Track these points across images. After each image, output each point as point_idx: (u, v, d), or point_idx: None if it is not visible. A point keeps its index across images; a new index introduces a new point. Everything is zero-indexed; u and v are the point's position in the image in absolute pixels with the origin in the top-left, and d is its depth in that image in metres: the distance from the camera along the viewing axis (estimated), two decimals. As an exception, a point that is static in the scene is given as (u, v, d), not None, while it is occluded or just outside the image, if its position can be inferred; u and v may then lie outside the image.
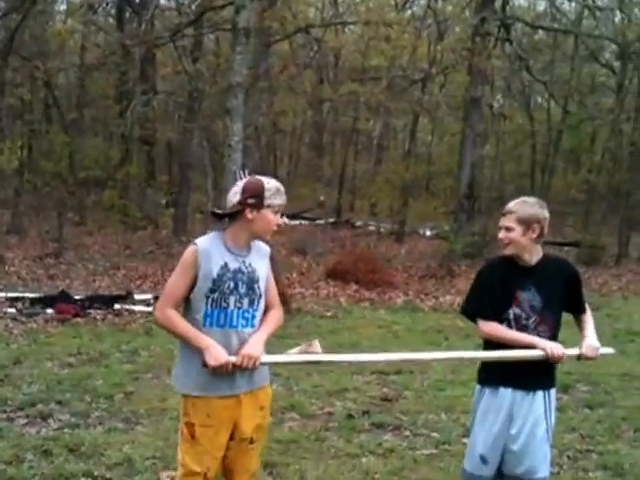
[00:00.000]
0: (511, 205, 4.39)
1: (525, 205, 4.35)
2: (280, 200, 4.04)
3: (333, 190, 32.29)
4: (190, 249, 4.02)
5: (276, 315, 4.26)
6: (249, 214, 4.00)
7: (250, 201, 3.99)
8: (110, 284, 15.23)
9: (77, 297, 13.03)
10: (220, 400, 4.00)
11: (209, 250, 4.00)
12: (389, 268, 18.39)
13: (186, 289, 4.00)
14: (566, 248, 24.40)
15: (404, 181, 25.17)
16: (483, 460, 4.40)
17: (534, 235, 4.32)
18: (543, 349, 4.22)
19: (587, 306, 4.64)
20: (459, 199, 20.87)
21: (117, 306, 12.78)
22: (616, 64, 28.90)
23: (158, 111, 22.59)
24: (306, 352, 4.13)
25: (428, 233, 27.82)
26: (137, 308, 12.74)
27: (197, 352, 3.90)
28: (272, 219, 4.04)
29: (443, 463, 6.14)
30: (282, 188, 4.09)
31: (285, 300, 12.77)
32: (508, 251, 4.38)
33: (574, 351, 4.36)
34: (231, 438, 4.09)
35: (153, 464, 5.87)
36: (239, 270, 4.02)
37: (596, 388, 8.57)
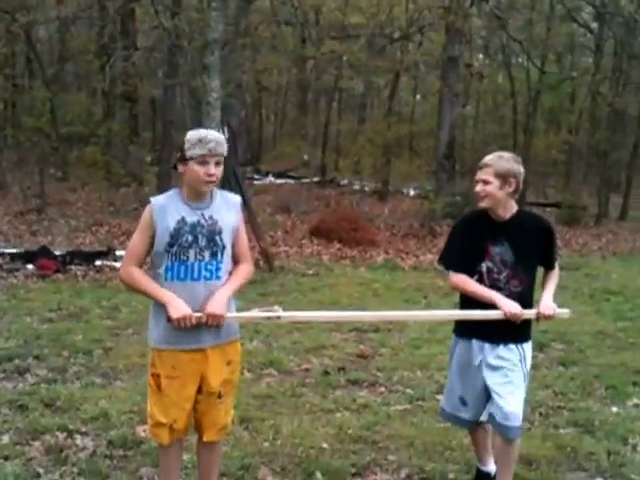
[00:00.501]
0: (488, 159, 4.45)
1: (501, 160, 4.41)
2: (201, 150, 3.95)
3: (317, 149, 32.20)
4: (147, 207, 4.07)
5: (244, 269, 4.26)
6: (180, 168, 4.06)
7: (177, 155, 4.05)
8: (93, 241, 15.24)
9: (58, 253, 13.03)
10: (186, 353, 4.06)
11: (165, 206, 4.04)
12: (372, 227, 18.45)
13: (146, 246, 4.07)
14: (548, 209, 24.51)
15: (386, 140, 25.13)
16: (462, 401, 4.56)
17: (510, 189, 4.37)
18: (501, 308, 4.31)
19: (556, 265, 4.71)
20: (439, 159, 20.88)
21: (98, 262, 12.80)
22: (594, 25, 28.86)
23: (140, 67, 22.40)
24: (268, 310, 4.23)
25: (412, 193, 27.79)
26: (118, 264, 12.57)
27: (163, 307, 3.96)
28: (198, 170, 3.98)
29: (416, 418, 6.22)
30: (209, 137, 3.99)
31: (267, 258, 12.83)
32: (484, 204, 4.43)
33: (532, 311, 4.43)
34: (199, 391, 4.16)
35: (130, 419, 5.92)
36: (198, 223, 4.03)
37: (570, 346, 8.68)
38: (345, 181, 30.04)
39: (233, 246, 4.18)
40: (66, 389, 6.60)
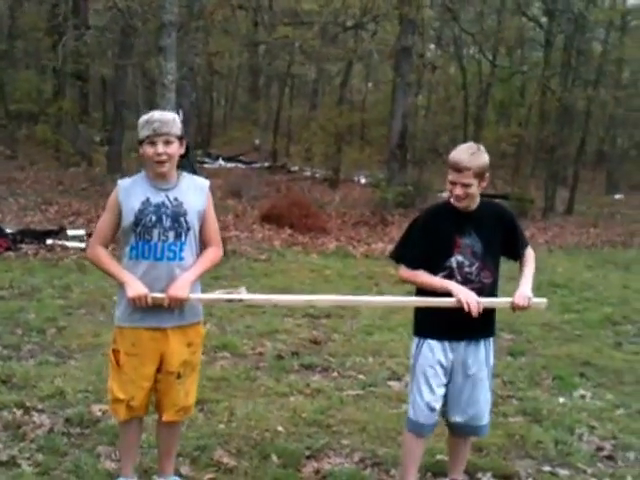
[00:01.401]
0: (465, 160, 4.27)
1: (476, 157, 4.29)
2: (147, 131, 4.05)
3: (269, 134, 32.19)
4: (115, 189, 4.21)
5: (212, 253, 4.32)
6: (140, 150, 4.17)
7: (136, 139, 4.17)
8: (42, 219, 15.08)
9: (9, 231, 12.91)
10: (146, 331, 4.14)
11: (130, 187, 4.16)
12: (323, 214, 18.52)
13: (112, 226, 4.20)
14: (496, 200, 24.71)
15: (337, 128, 25.21)
16: (430, 408, 4.42)
17: (484, 184, 4.33)
18: (456, 297, 4.21)
19: (531, 250, 4.65)
20: (391, 148, 20.98)
21: (49, 241, 12.69)
22: (544, 19, 29.23)
23: (91, 46, 22.15)
24: (231, 292, 4.30)
25: (362, 181, 27.92)
26: (70, 244, 12.66)
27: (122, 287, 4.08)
28: (147, 151, 4.07)
29: (368, 404, 6.33)
30: (154, 118, 4.07)
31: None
32: (463, 204, 4.33)
33: (507, 300, 4.38)
34: (159, 371, 4.22)
35: (85, 397, 5.97)
36: (162, 204, 4.10)
37: (519, 337, 8.85)
38: (296, 167, 30.08)
39: (201, 230, 4.24)
40: (21, 367, 6.61)
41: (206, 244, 4.31)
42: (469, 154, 4.30)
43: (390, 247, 15.07)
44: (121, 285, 4.09)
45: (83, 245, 12.34)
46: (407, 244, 4.53)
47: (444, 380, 4.42)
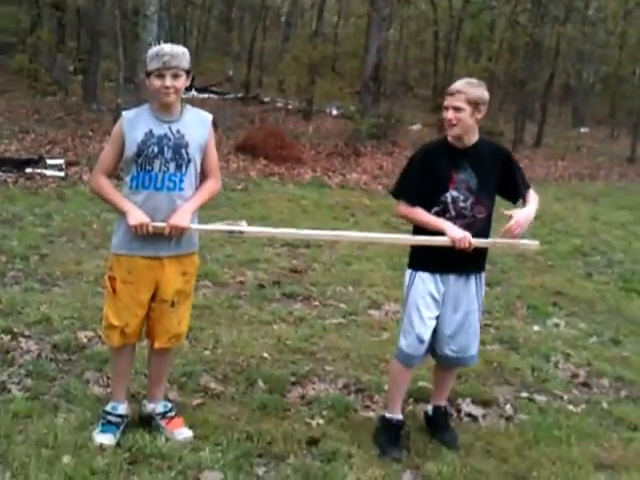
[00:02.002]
0: (459, 85, 4.33)
1: (472, 86, 4.34)
2: (157, 64, 4.08)
3: (241, 65, 31.93)
4: (119, 120, 4.24)
5: (211, 185, 4.40)
6: (147, 82, 4.19)
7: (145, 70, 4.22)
8: (19, 148, 14.89)
9: (-14, 159, 12.77)
10: (143, 260, 4.22)
11: (134, 119, 4.19)
12: (297, 144, 18.48)
13: (115, 157, 4.25)
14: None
15: (311, 60, 25.06)
16: (420, 340, 4.47)
17: (480, 116, 4.33)
18: (450, 237, 4.26)
19: (532, 191, 4.56)
20: (365, 81, 20.93)
21: (29, 170, 12.58)
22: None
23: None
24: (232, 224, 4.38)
25: (334, 112, 27.85)
26: (49, 172, 12.57)
27: (124, 215, 4.14)
28: (155, 83, 4.11)
29: (350, 332, 6.48)
30: (164, 51, 4.08)
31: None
32: (454, 132, 4.35)
33: (503, 239, 4.40)
34: (153, 299, 4.30)
35: (71, 324, 6.04)
36: (165, 136, 4.15)
37: (494, 267, 8.95)
38: (268, 98, 29.90)
39: (202, 162, 4.30)
40: (6, 293, 6.68)
41: (205, 176, 4.38)
42: (465, 82, 4.38)
43: (364, 178, 15.33)
44: (122, 214, 4.16)
45: (62, 174, 12.35)
46: (405, 181, 4.58)
47: (435, 312, 4.47)
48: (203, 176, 4.37)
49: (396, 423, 4.66)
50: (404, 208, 4.54)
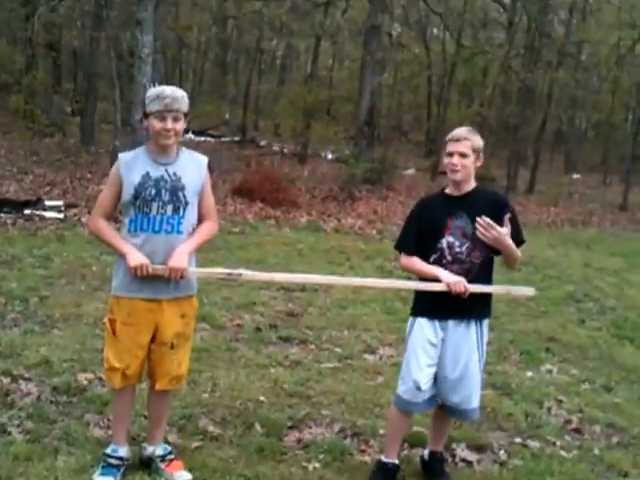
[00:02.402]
0: (464, 132, 4.48)
1: (475, 134, 4.50)
2: (158, 106, 4.13)
3: (237, 108, 32.16)
4: (116, 163, 4.31)
5: (208, 227, 4.47)
6: (145, 123, 4.29)
7: (142, 110, 4.29)
8: (18, 189, 14.98)
9: (-15, 200, 12.85)
10: (142, 302, 4.27)
11: (131, 161, 4.27)
12: (293, 188, 18.62)
13: (113, 199, 4.31)
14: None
15: (306, 103, 25.28)
16: (417, 387, 4.50)
17: (479, 164, 4.48)
18: (445, 282, 4.34)
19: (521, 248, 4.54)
20: (359, 125, 21.10)
21: (27, 211, 12.68)
22: (507, 0, 29.43)
23: (64, 17, 22.04)
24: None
25: (330, 156, 28.04)
26: (48, 214, 12.66)
27: (123, 257, 4.21)
28: (155, 125, 4.16)
29: (346, 376, 6.54)
30: (166, 93, 4.14)
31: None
32: (458, 177, 4.44)
33: (504, 288, 4.54)
34: (153, 341, 4.36)
35: (71, 366, 6.09)
36: (161, 178, 4.23)
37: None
38: (264, 142, 30.09)
39: (199, 204, 4.39)
40: (6, 334, 6.74)
41: (202, 218, 4.44)
42: (467, 130, 4.53)
43: (359, 222, 15.49)
44: (122, 256, 4.22)
45: (61, 216, 12.45)
46: (405, 234, 4.69)
47: (434, 359, 4.52)
48: (200, 218, 4.43)
49: (392, 467, 4.72)
50: (403, 260, 4.66)
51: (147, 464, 4.60)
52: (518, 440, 5.53)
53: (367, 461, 4.96)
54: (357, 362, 6.94)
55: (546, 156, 35.79)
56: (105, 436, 4.87)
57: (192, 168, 4.36)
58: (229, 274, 4.44)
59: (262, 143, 29.94)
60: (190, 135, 29.53)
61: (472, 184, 4.56)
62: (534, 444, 5.48)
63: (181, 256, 4.22)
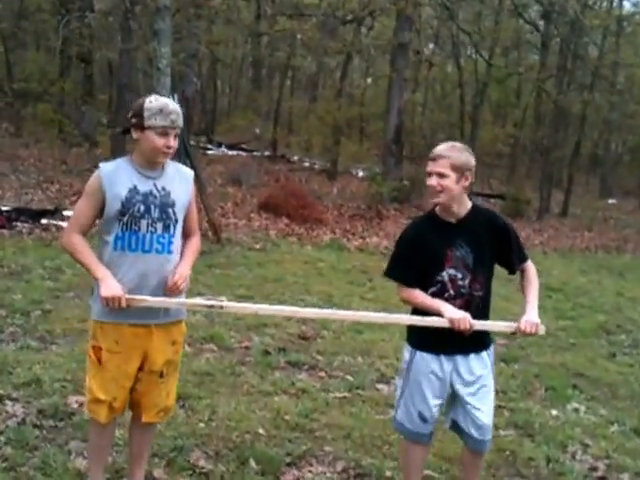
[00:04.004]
0: (442, 149, 4.08)
1: (456, 150, 4.08)
2: (163, 121, 3.81)
3: (269, 124, 32.09)
4: (94, 174, 3.92)
5: (195, 243, 4.21)
6: (134, 134, 3.90)
7: (133, 120, 3.89)
8: (42, 198, 14.80)
9: (4, 209, 12.66)
10: (130, 328, 3.92)
11: (114, 173, 3.89)
12: (320, 205, 18.37)
13: (91, 215, 3.92)
14: (492, 200, 24.71)
15: (336, 120, 25.16)
16: (422, 418, 4.23)
17: (466, 183, 4.06)
18: (449, 318, 4.00)
19: (532, 266, 4.34)
20: (387, 143, 20.95)
21: (44, 221, 12.47)
22: (541, 22, 29.11)
23: (96, 30, 22.02)
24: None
25: (360, 174, 27.79)
26: (65, 224, 12.36)
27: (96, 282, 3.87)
28: (155, 140, 3.83)
29: (354, 408, 6.13)
30: (170, 108, 3.85)
31: (215, 230, 12.74)
32: (439, 199, 4.07)
33: (511, 325, 4.12)
34: (140, 369, 4.00)
35: (63, 387, 5.79)
36: (150, 193, 3.89)
37: (512, 342, 8.60)
38: (295, 157, 30.02)
39: (184, 220, 4.06)
40: (1, 350, 6.46)
41: (187, 234, 4.14)
42: (448, 146, 4.11)
43: (385, 242, 15.12)
44: (95, 280, 3.85)
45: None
46: (398, 261, 4.31)
47: (440, 391, 4.22)
48: (185, 233, 4.11)
49: None
50: (404, 292, 4.26)
51: None
52: (538, 488, 5.09)
53: (369, 508, 4.55)
54: (368, 392, 6.53)
55: (581, 180, 35.38)
56: (87, 467, 4.46)
57: (179, 182, 4.03)
58: (210, 306, 4.04)
59: (293, 159, 29.83)
60: (223, 149, 29.54)
61: (467, 205, 4.18)
62: (555, 493, 5.04)
63: (182, 275, 3.93)
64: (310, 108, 30.58)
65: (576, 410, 6.72)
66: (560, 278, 13.98)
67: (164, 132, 3.82)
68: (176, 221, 3.95)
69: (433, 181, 4.05)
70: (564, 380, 7.52)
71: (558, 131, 26.62)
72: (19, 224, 12.15)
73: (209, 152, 28.23)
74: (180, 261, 3.99)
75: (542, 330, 4.13)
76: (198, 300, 4.14)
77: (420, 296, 4.18)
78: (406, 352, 4.35)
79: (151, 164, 3.93)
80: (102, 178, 3.86)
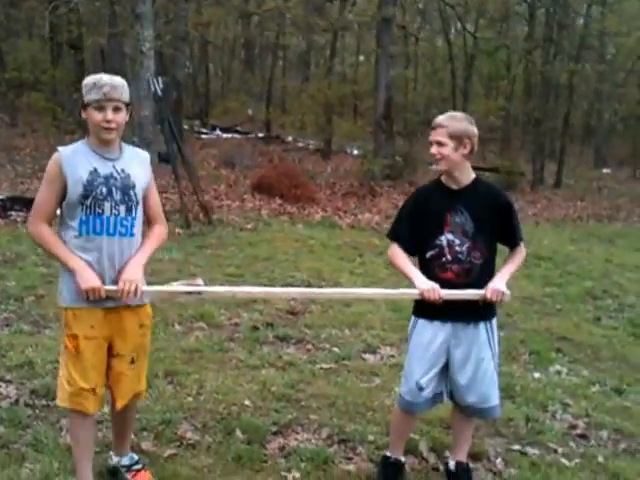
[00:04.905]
0: (441, 119, 4.24)
1: (455, 120, 4.23)
2: (96, 95, 3.75)
3: (263, 105, 32.08)
4: (52, 159, 3.88)
5: (159, 232, 4.17)
6: (83, 114, 3.87)
7: (81, 101, 3.85)
8: (38, 187, 14.81)
9: (-2, 197, 12.71)
10: (102, 312, 3.89)
11: (73, 156, 3.85)
12: (312, 184, 18.40)
13: (55, 201, 3.89)
14: (487, 173, 24.77)
15: (327, 99, 25.13)
16: (419, 387, 4.33)
17: (466, 151, 4.20)
18: (418, 288, 4.13)
19: (522, 245, 4.46)
20: (376, 120, 20.94)
21: (38, 209, 12.50)
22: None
23: (85, 16, 22.01)
24: (189, 284, 4.10)
25: (355, 152, 27.78)
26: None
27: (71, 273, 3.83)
28: (94, 116, 3.78)
29: (340, 378, 6.25)
30: (103, 81, 3.77)
31: (206, 211, 12.82)
32: (440, 167, 4.23)
33: (479, 292, 4.20)
34: (110, 355, 4.01)
35: (55, 368, 5.80)
36: (111, 175, 3.85)
37: (499, 310, 8.69)
38: (290, 138, 29.99)
39: (144, 204, 4.03)
40: (-5, 335, 6.55)
41: (150, 221, 4.14)
42: (448, 116, 4.27)
43: (377, 218, 15.19)
44: (69, 270, 3.84)
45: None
46: (400, 223, 4.46)
47: (439, 361, 4.33)
48: (147, 221, 4.10)
49: (394, 462, 4.61)
50: (390, 250, 4.45)
51: (113, 474, 4.34)
52: (516, 447, 5.20)
53: (351, 470, 4.68)
54: (354, 363, 6.65)
55: (575, 150, 35.42)
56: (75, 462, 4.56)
57: (137, 164, 4.00)
58: (189, 292, 4.09)
59: (287, 139, 29.84)
60: (218, 132, 29.53)
61: (470, 175, 4.32)
62: (533, 451, 5.16)
63: (135, 269, 3.88)
64: (302, 88, 30.52)
65: (558, 372, 6.85)
66: (550, 247, 14.09)
67: (100, 106, 3.76)
68: (137, 203, 3.91)
69: (433, 149, 4.22)
70: (548, 344, 7.65)
71: (548, 102, 26.60)
72: (13, 213, 12.23)
73: (203, 136, 28.22)
74: (132, 258, 3.94)
75: (508, 297, 4.25)
76: (176, 287, 4.12)
77: (401, 258, 4.35)
78: (411, 321, 4.50)
79: (103, 143, 3.86)
80: (62, 162, 3.82)
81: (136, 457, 4.38)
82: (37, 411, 5.18)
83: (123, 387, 4.06)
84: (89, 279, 3.76)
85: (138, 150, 4.14)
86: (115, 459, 4.37)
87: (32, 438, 4.72)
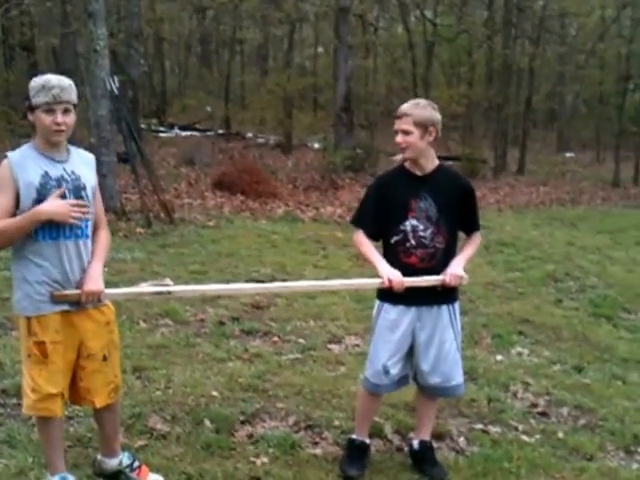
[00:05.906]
0: (405, 107, 4.30)
1: (419, 107, 4.29)
2: (45, 97, 3.71)
3: (221, 102, 31.99)
4: (2, 165, 3.80)
5: (106, 237, 4.15)
6: (30, 117, 3.83)
7: (26, 104, 3.80)
8: None
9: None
10: (66, 315, 3.89)
11: (22, 161, 3.80)
12: (273, 179, 18.44)
13: (10, 208, 3.76)
14: (450, 162, 24.92)
15: (286, 92, 25.11)
16: (385, 370, 4.44)
17: (431, 138, 4.29)
18: (381, 277, 4.26)
19: (478, 234, 4.65)
20: (336, 112, 20.94)
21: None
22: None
23: (36, 17, 21.83)
24: (158, 284, 4.17)
25: (316, 145, 27.78)
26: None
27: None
28: (44, 119, 3.74)
29: (306, 367, 6.36)
30: (52, 83, 3.73)
31: (167, 210, 12.80)
32: (406, 155, 4.33)
33: (437, 278, 4.32)
34: (80, 356, 4.00)
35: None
36: (62, 178, 3.83)
37: (462, 296, 8.78)
38: (250, 134, 29.90)
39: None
40: (-40, 338, 6.54)
41: (96, 225, 4.10)
42: (412, 104, 4.34)
43: (339, 211, 15.25)
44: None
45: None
46: (364, 209, 4.55)
47: (402, 343, 4.44)
48: (93, 225, 4.06)
49: (359, 444, 4.71)
50: (355, 236, 4.56)
51: (114, 478, 4.36)
52: (479, 426, 5.38)
53: (317, 454, 4.81)
54: (320, 353, 6.77)
55: (539, 135, 35.70)
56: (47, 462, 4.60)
57: (85, 166, 4.00)
58: (159, 292, 4.15)
59: (248, 135, 29.75)
60: (176, 130, 29.37)
61: (434, 162, 4.44)
62: (495, 430, 5.34)
63: (97, 280, 3.88)
64: (261, 82, 30.45)
65: (520, 354, 7.03)
66: (513, 233, 14.29)
67: (49, 109, 3.73)
68: (89, 204, 3.92)
69: (399, 138, 4.30)
70: (510, 327, 7.84)
71: (509, 87, 26.74)
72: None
73: (162, 134, 27.97)
74: (89, 267, 3.93)
75: (465, 281, 4.41)
76: (144, 288, 4.19)
77: (365, 245, 4.48)
78: (375, 306, 4.59)
79: (52, 146, 3.85)
80: (12, 168, 3.76)
81: (129, 453, 4.43)
82: (9, 410, 5.22)
83: (98, 385, 4.06)
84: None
85: (83, 151, 4.12)
86: (112, 462, 4.35)
87: (6, 435, 4.78)
